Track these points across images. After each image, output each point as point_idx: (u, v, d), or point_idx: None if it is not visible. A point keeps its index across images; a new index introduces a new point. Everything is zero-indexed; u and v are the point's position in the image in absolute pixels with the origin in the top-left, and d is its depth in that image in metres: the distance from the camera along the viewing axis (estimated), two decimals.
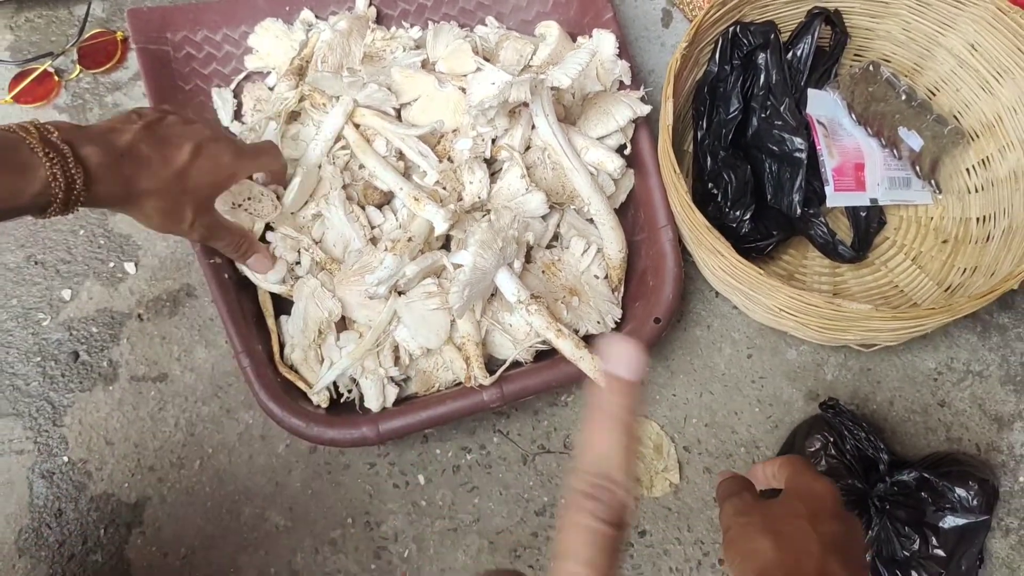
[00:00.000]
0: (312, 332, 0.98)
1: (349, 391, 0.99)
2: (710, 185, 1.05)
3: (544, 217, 1.03)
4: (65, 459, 1.04)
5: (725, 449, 1.05)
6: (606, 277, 1.04)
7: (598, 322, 0.99)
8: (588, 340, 0.96)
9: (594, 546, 0.43)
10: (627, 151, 1.04)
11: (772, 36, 1.05)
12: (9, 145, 0.69)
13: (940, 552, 0.92)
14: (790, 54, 1.08)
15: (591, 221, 1.04)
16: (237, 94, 1.14)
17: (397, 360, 0.98)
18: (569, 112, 1.05)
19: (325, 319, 0.97)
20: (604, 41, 1.07)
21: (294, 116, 1.08)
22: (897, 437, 1.05)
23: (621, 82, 1.07)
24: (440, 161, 1.02)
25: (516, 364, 0.98)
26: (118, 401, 1.06)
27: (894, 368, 1.08)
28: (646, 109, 1.02)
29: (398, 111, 1.06)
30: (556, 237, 1.06)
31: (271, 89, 1.13)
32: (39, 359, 1.08)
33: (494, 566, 1.01)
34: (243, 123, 1.12)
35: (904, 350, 1.08)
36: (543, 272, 1.01)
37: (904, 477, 0.93)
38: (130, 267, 1.11)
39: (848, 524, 0.61)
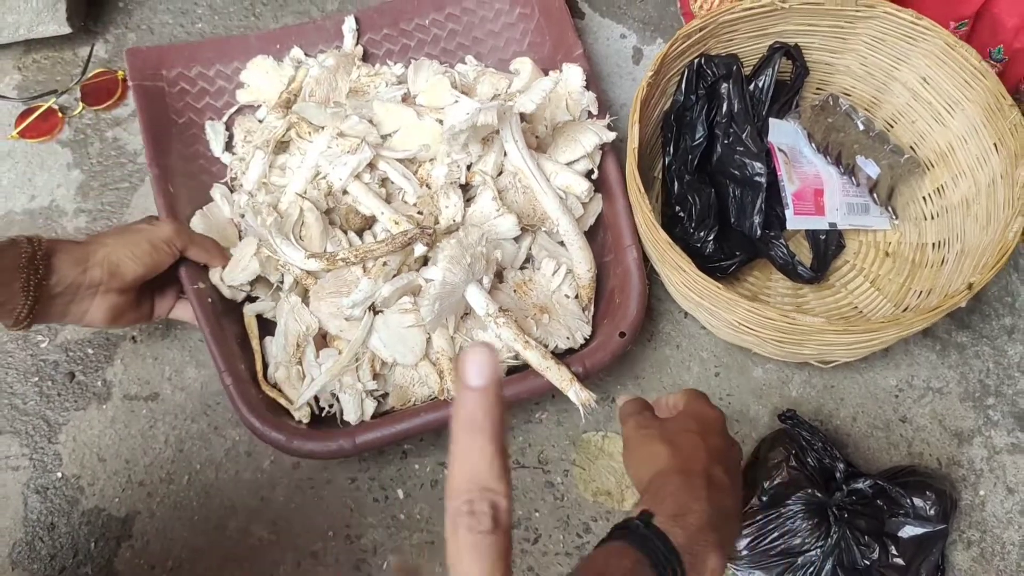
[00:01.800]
0: (291, 346, 0.99)
1: (330, 406, 1.00)
2: (677, 208, 1.07)
3: (516, 239, 1.05)
4: (59, 475, 1.05)
5: None
6: (576, 296, 1.05)
7: (567, 337, 1.01)
8: (559, 356, 0.98)
9: (485, 558, 0.42)
10: (594, 176, 1.07)
11: (735, 68, 1.07)
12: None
13: (899, 561, 0.92)
14: (752, 85, 1.10)
15: (562, 244, 1.06)
16: (228, 126, 1.17)
17: (376, 375, 0.99)
18: (542, 142, 1.08)
19: (303, 333, 0.99)
20: (572, 74, 1.10)
21: (283, 147, 1.11)
22: (860, 452, 1.05)
23: (589, 112, 1.10)
24: (420, 187, 1.05)
25: None
26: (111, 419, 1.07)
27: (856, 385, 1.08)
28: (611, 136, 1.05)
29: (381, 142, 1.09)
30: (529, 259, 1.08)
31: (261, 121, 1.16)
32: (36, 379, 1.09)
33: None
34: (234, 154, 1.15)
35: (866, 368, 1.09)
36: (515, 291, 1.03)
37: (860, 486, 0.93)
38: None
39: (731, 442, 0.74)
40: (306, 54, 1.19)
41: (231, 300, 1.05)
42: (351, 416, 0.98)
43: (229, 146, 1.16)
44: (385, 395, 1.02)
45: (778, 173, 1.08)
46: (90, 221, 1.17)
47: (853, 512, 0.93)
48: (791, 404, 1.06)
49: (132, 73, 1.12)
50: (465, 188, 1.05)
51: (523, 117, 1.01)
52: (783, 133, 1.12)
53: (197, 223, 1.06)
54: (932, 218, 1.11)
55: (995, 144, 1.00)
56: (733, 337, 1.02)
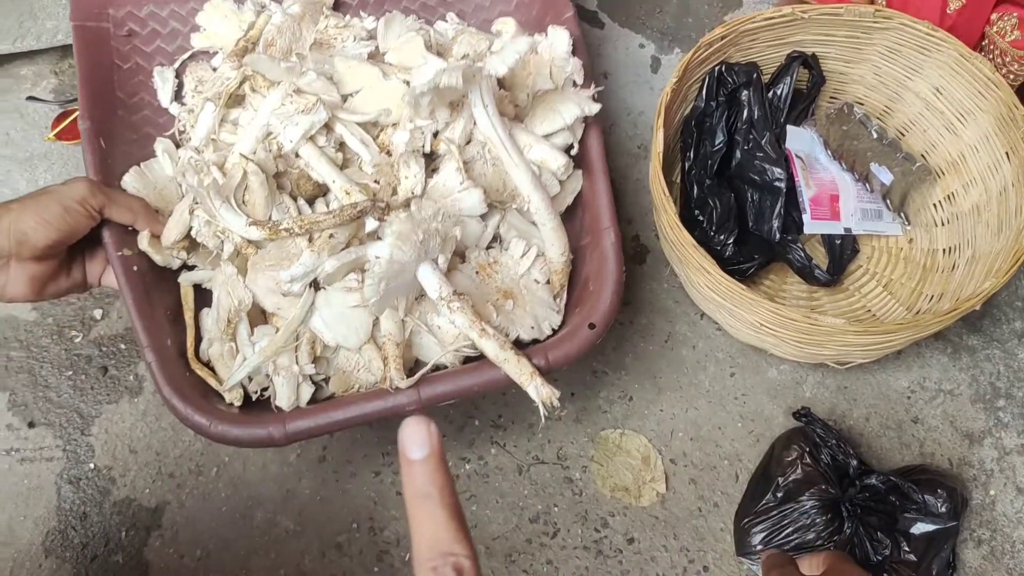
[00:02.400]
0: (223, 322, 0.90)
1: (265, 389, 0.91)
2: (696, 212, 1.08)
3: (483, 217, 0.95)
4: (91, 466, 1.06)
5: (709, 462, 1.06)
6: (547, 282, 0.95)
7: (532, 327, 0.90)
8: (520, 346, 0.87)
9: None
10: (574, 151, 0.96)
11: (755, 76, 1.08)
12: None
13: (911, 557, 0.93)
14: (771, 93, 1.11)
15: (534, 224, 0.95)
16: (179, 74, 1.06)
17: (317, 358, 0.90)
18: (520, 112, 0.97)
19: (235, 307, 0.89)
20: (558, 38, 1.00)
21: (238, 101, 0.99)
22: (873, 451, 1.06)
23: (575, 81, 1.00)
24: (380, 153, 0.95)
25: (442, 368, 0.88)
26: (142, 412, 1.09)
27: (869, 386, 1.09)
28: (595, 108, 0.95)
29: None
30: (496, 239, 0.98)
31: (215, 70, 1.04)
32: (71, 373, 1.10)
33: (489, 571, 1.02)
34: (183, 105, 1.05)
35: (879, 369, 1.10)
36: (476, 273, 0.93)
37: (873, 482, 0.94)
38: None
39: None
40: None
41: (165, 268, 0.94)
42: (283, 401, 0.88)
43: (179, 96, 1.05)
44: (327, 380, 0.92)
45: (795, 179, 1.09)
46: None
47: (866, 508, 0.94)
48: (805, 404, 1.07)
49: (74, 12, 1.02)
50: (430, 158, 0.95)
51: (501, 84, 0.93)
52: (800, 140, 1.13)
53: (130, 181, 0.94)
54: (943, 224, 1.12)
55: (1007, 153, 1.01)
56: (752, 338, 1.03)
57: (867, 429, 1.07)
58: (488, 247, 0.97)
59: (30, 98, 1.23)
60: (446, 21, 1.11)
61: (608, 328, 0.89)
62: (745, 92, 1.07)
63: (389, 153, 0.94)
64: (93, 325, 1.13)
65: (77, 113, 1.20)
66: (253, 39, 1.02)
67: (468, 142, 0.93)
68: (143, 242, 0.91)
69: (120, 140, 0.98)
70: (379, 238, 0.88)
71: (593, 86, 0.99)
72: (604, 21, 1.31)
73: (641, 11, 1.31)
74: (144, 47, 1.06)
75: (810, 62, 1.11)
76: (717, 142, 1.08)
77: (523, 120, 0.96)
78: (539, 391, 0.81)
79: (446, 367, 0.88)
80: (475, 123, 0.89)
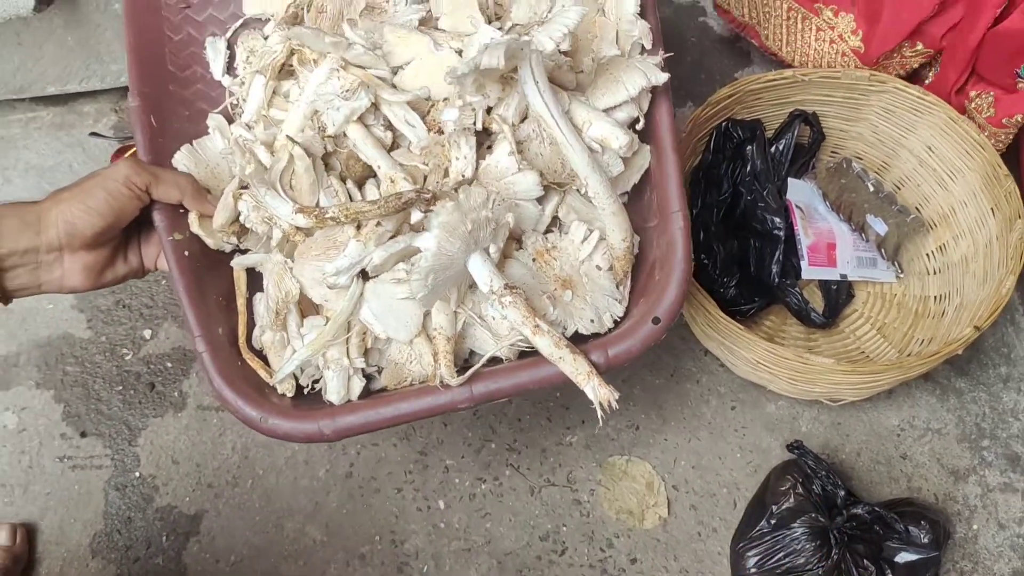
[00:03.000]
0: (272, 314, 0.84)
1: (316, 382, 0.84)
2: (702, 256, 1.15)
3: (540, 200, 0.85)
4: (137, 474, 1.14)
5: (709, 489, 1.12)
6: (610, 268, 0.85)
7: (592, 320, 0.82)
8: (579, 341, 0.80)
9: None
10: (640, 126, 0.84)
11: (758, 132, 1.16)
12: None
13: None
14: (773, 148, 1.19)
15: None
16: (231, 44, 0.96)
17: (368, 350, 0.84)
18: (584, 79, 0.85)
19: (282, 299, 0.84)
20: None
21: (290, 72, 0.91)
22: (863, 485, 1.12)
23: (643, 47, 0.86)
24: (429, 132, 0.85)
25: (496, 362, 0.81)
26: (185, 426, 1.16)
27: (861, 423, 1.15)
28: (663, 77, 0.83)
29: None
30: (556, 223, 0.88)
31: (266, 39, 0.95)
32: (120, 387, 1.19)
33: None
34: (235, 77, 0.95)
35: (870, 407, 1.16)
36: (533, 260, 0.85)
37: (859, 512, 1.00)
38: None
39: None
40: None
41: (216, 252, 0.87)
42: (334, 395, 0.83)
43: (231, 68, 0.95)
44: (379, 370, 0.86)
45: (795, 227, 1.16)
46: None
47: (853, 536, 1.00)
48: (801, 438, 1.13)
49: None
50: (484, 134, 0.85)
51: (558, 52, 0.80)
52: (800, 192, 1.20)
53: (181, 160, 0.86)
54: (934, 273, 1.19)
55: (992, 209, 1.08)
56: (750, 374, 1.10)
57: (858, 463, 1.13)
58: (547, 232, 0.87)
59: (92, 134, 1.33)
60: None
61: (673, 322, 0.80)
62: (749, 147, 1.14)
63: (440, 132, 0.85)
64: (143, 344, 1.21)
65: (134, 149, 1.30)
66: (304, 4, 0.93)
67: (523, 119, 0.84)
68: (194, 224, 0.84)
69: (172, 117, 0.90)
70: (426, 229, 0.78)
71: (661, 52, 0.86)
72: None
73: None
74: (196, 16, 0.96)
75: (811, 120, 1.19)
76: (723, 192, 1.15)
77: (586, 89, 0.85)
78: (596, 392, 0.75)
79: (501, 361, 0.82)
80: (527, 97, 0.79)
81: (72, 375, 1.19)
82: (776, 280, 1.12)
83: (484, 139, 0.85)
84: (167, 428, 1.16)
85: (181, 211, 0.83)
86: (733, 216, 1.16)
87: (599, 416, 0.74)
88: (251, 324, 0.87)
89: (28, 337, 1.21)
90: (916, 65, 1.19)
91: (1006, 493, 1.12)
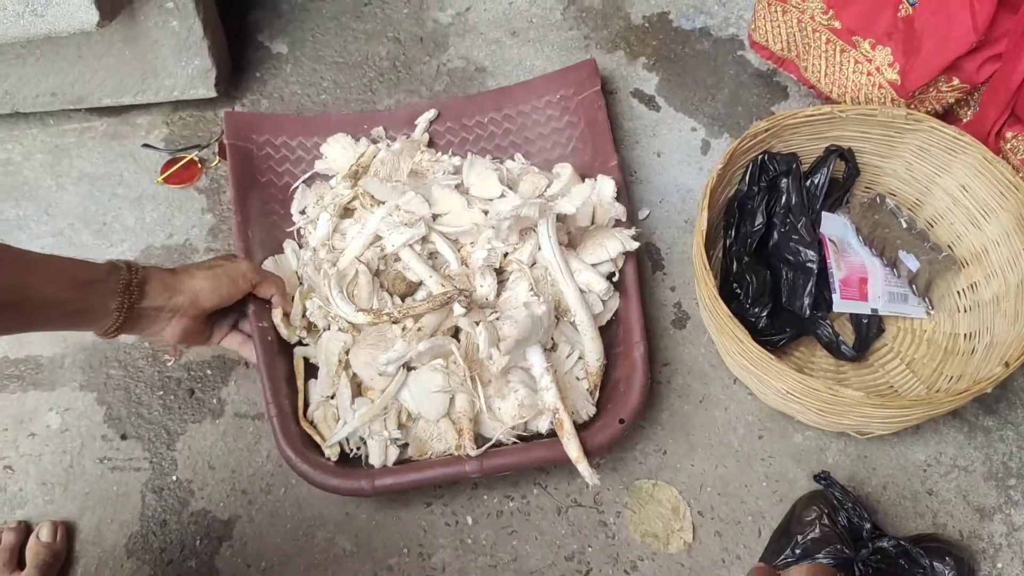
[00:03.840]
0: (332, 365, 1.09)
1: (358, 448, 1.09)
2: (735, 285, 1.15)
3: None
4: (174, 478, 1.15)
5: (734, 516, 1.12)
6: (585, 379, 1.12)
7: (571, 414, 1.06)
8: None
9: None
10: (615, 278, 1.15)
11: (794, 165, 1.16)
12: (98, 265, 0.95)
13: None
14: (808, 182, 1.19)
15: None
16: (304, 189, 1.29)
17: (400, 426, 1.08)
18: (573, 239, 1.15)
19: (340, 349, 1.09)
20: (605, 185, 1.19)
21: (346, 213, 1.22)
22: (888, 519, 1.11)
23: (619, 220, 1.18)
24: (460, 265, 1.14)
25: (498, 444, 1.06)
26: (222, 433, 1.18)
27: (888, 457, 1.15)
28: (634, 245, 1.13)
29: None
30: (550, 341, 1.14)
31: (332, 188, 1.26)
32: (161, 393, 1.20)
33: None
34: (304, 214, 1.25)
35: (898, 442, 1.15)
36: None
37: (885, 545, 0.99)
38: (244, 325, 1.24)
39: None
40: (387, 132, 1.33)
41: (285, 342, 1.14)
42: (376, 460, 1.07)
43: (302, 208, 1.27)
44: (405, 445, 1.09)
45: (827, 261, 1.16)
46: None
47: (877, 570, 0.99)
48: (827, 469, 1.12)
49: (228, 133, 1.26)
50: (498, 273, 1.14)
51: (559, 216, 1.10)
52: (834, 225, 1.21)
53: (269, 265, 1.17)
54: (965, 311, 1.18)
55: None
56: (779, 404, 1.10)
57: (884, 497, 1.13)
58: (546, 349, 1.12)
59: (145, 145, 1.36)
60: (514, 160, 1.29)
61: (635, 423, 1.08)
62: (785, 180, 1.15)
63: (467, 266, 1.14)
64: (184, 351, 1.23)
65: (184, 160, 1.33)
66: (363, 165, 1.26)
67: (532, 264, 1.12)
68: (276, 318, 1.12)
69: (257, 233, 1.21)
70: (457, 333, 1.10)
71: (634, 227, 1.16)
72: (660, 105, 1.40)
73: (695, 97, 1.40)
74: (277, 167, 1.30)
75: (846, 155, 1.19)
76: (757, 223, 1.16)
77: (575, 247, 1.15)
78: (587, 470, 1.03)
79: (503, 443, 1.06)
80: (540, 248, 1.10)
81: (115, 378, 1.21)
82: (808, 312, 1.12)
83: (499, 276, 1.14)
84: (205, 434, 1.18)
85: (267, 306, 1.12)
86: (766, 247, 1.17)
87: (589, 487, 1.04)
88: (305, 402, 1.12)
89: (75, 340, 1.23)
90: (952, 100, 1.19)
91: None
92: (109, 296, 0.93)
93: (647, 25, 1.46)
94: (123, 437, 1.18)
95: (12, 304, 0.84)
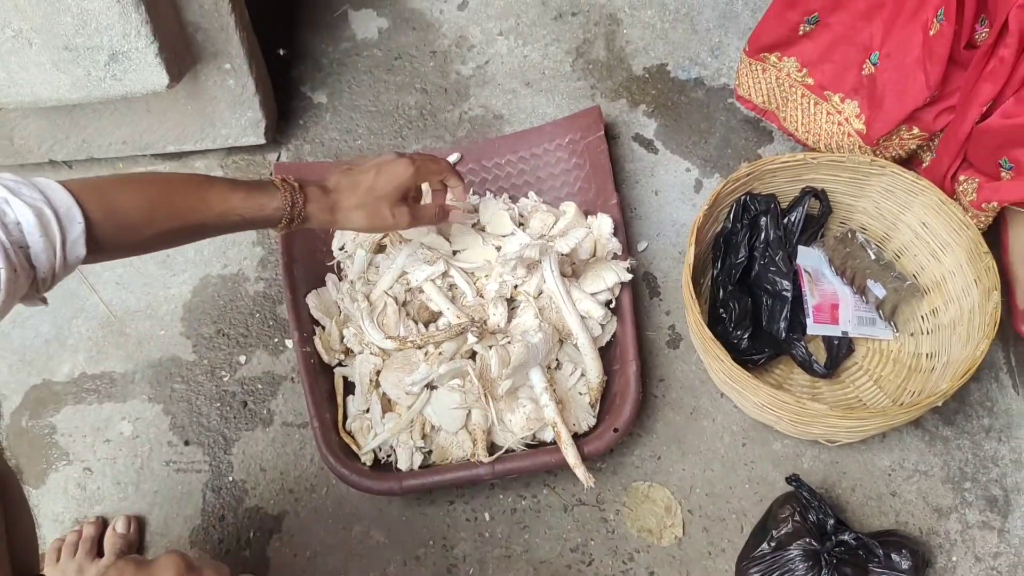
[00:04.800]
0: (365, 384, 1.24)
1: (388, 456, 1.24)
2: (720, 310, 1.29)
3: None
4: (230, 479, 1.30)
5: (720, 514, 1.25)
6: (587, 394, 1.25)
7: (574, 424, 1.21)
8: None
9: None
10: (612, 305, 1.28)
11: (772, 205, 1.30)
12: (264, 182, 1.03)
13: None
14: (786, 219, 1.32)
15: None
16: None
17: (424, 436, 1.22)
18: (576, 270, 1.30)
19: (372, 371, 1.24)
20: (604, 223, 1.33)
21: (381, 249, 1.34)
22: (856, 517, 1.24)
23: (616, 253, 1.32)
24: (475, 296, 1.28)
25: (510, 451, 1.20)
26: (272, 439, 1.33)
27: (856, 463, 1.27)
28: (629, 276, 1.26)
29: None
30: (555, 361, 1.27)
31: None
32: (219, 404, 1.35)
33: None
34: (343, 251, 1.37)
35: (866, 449, 1.28)
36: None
37: (846, 538, 1.12)
38: (289, 343, 1.39)
39: None
40: None
41: (327, 363, 1.29)
42: (403, 464, 1.21)
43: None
44: (429, 452, 1.23)
45: (803, 289, 1.29)
46: (266, 287, 1.44)
47: (841, 560, 1.12)
48: (802, 473, 1.24)
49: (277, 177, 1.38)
50: (509, 302, 1.27)
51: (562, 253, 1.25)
52: (810, 257, 1.34)
53: (312, 299, 1.31)
54: (927, 333, 1.31)
55: (975, 280, 1.20)
56: (759, 415, 1.23)
57: (853, 498, 1.25)
58: (548, 367, 1.26)
59: None
60: (527, 198, 1.43)
61: (629, 431, 1.23)
62: (764, 218, 1.28)
63: (482, 296, 1.28)
64: (238, 368, 1.38)
65: None
66: None
67: (538, 294, 1.27)
68: (318, 343, 1.28)
69: (302, 269, 1.34)
70: (474, 356, 1.23)
71: (629, 259, 1.30)
72: (658, 148, 1.54)
73: (689, 141, 1.54)
74: None
75: (820, 195, 1.32)
76: (740, 256, 1.29)
77: (578, 277, 1.29)
78: (585, 474, 1.16)
79: (513, 450, 1.20)
80: (544, 281, 1.24)
81: (179, 392, 1.36)
82: (784, 334, 1.25)
83: (510, 305, 1.27)
84: (256, 440, 1.33)
85: (306, 334, 1.28)
86: (749, 277, 1.30)
87: (585, 487, 1.16)
88: (344, 414, 1.27)
89: (144, 358, 1.39)
90: (914, 146, 1.32)
91: (984, 530, 1.23)
92: (276, 217, 1.01)
93: (647, 76, 1.60)
94: (186, 443, 1.33)
95: (182, 229, 0.95)
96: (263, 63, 1.46)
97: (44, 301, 0.83)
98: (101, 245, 0.86)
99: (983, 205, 1.20)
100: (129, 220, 0.89)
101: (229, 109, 1.43)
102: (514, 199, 1.43)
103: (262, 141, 1.49)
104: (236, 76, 1.39)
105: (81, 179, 0.86)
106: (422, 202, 1.21)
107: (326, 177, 1.09)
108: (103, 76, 1.25)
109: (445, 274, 1.28)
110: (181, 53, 1.31)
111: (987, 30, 1.16)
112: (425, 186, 1.20)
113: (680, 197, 1.50)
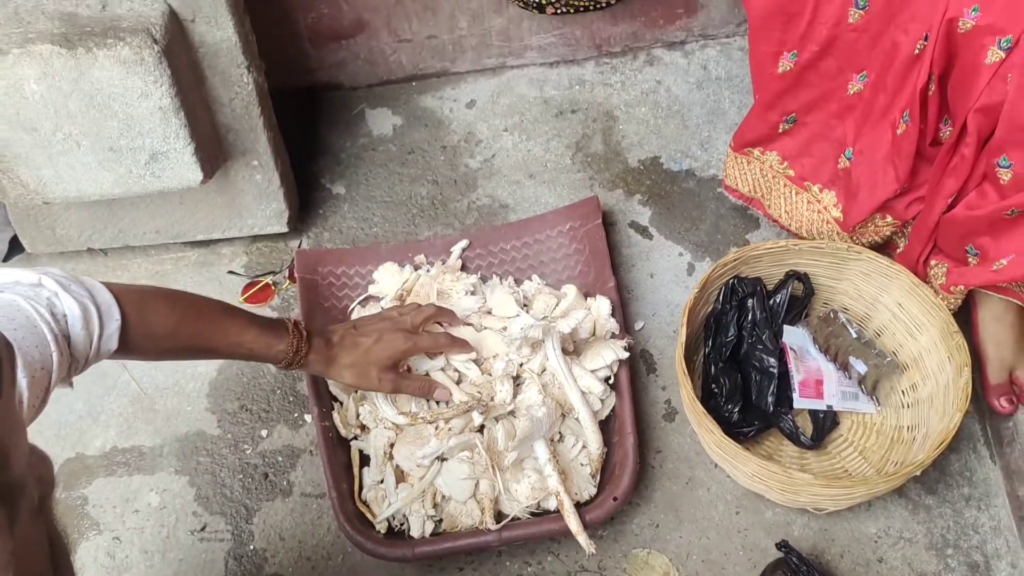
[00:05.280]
0: (379, 457, 1.30)
1: (402, 523, 1.29)
2: (713, 385, 1.36)
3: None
4: (251, 547, 1.36)
5: None
6: (588, 465, 1.31)
7: (576, 494, 1.27)
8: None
9: None
10: (611, 381, 1.35)
11: (759, 287, 1.39)
12: (277, 322, 1.13)
13: None
14: (772, 300, 1.41)
15: None
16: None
17: (435, 505, 1.28)
18: (577, 347, 1.37)
19: (386, 444, 1.30)
20: (602, 304, 1.41)
21: None
22: None
23: (614, 333, 1.39)
24: (483, 374, 1.35)
25: (515, 519, 1.25)
26: (291, 510, 1.39)
27: (844, 530, 1.33)
28: (626, 355, 1.34)
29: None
30: (558, 434, 1.33)
31: (382, 308, 1.44)
32: (241, 476, 1.42)
33: None
34: None
35: (852, 517, 1.34)
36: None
37: None
38: (308, 417, 1.47)
39: None
40: (427, 258, 1.56)
41: (344, 437, 1.36)
42: (416, 532, 1.26)
43: None
44: (440, 520, 1.28)
45: (789, 365, 1.37)
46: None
47: None
48: (793, 540, 1.30)
49: (298, 268, 1.51)
50: (515, 379, 1.33)
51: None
52: (794, 336, 1.42)
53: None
54: (907, 407, 1.38)
55: (948, 357, 1.28)
56: (750, 484, 1.30)
57: (842, 564, 1.31)
58: (551, 439, 1.33)
59: (229, 272, 1.61)
60: (531, 280, 1.52)
61: (628, 500, 1.29)
62: (751, 300, 1.37)
63: (490, 374, 1.35)
64: (260, 441, 1.45)
65: (261, 284, 1.58)
66: (408, 289, 1.48)
67: (542, 371, 1.33)
68: (336, 418, 1.35)
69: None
70: (482, 430, 1.29)
71: (627, 338, 1.37)
72: (653, 234, 1.64)
73: (682, 228, 1.64)
74: (337, 293, 1.53)
75: (803, 278, 1.42)
76: (730, 335, 1.38)
77: (579, 355, 1.36)
78: (587, 541, 1.22)
79: (520, 519, 1.25)
80: (547, 359, 1.31)
81: (204, 464, 1.44)
82: (772, 408, 1.33)
83: (515, 383, 1.33)
84: (276, 510, 1.39)
85: (325, 409, 1.35)
86: (739, 355, 1.38)
87: (587, 553, 1.22)
88: (360, 485, 1.33)
89: (171, 432, 1.47)
90: (888, 233, 1.41)
91: None
92: (279, 358, 1.13)
93: (642, 167, 1.71)
94: (210, 513, 1.39)
95: (198, 347, 1.07)
96: (287, 158, 1.57)
97: (71, 385, 0.92)
98: (127, 345, 0.96)
99: (952, 288, 1.29)
100: (157, 329, 1.01)
101: (255, 201, 1.54)
102: (519, 282, 1.52)
103: (285, 230, 1.60)
104: (263, 171, 1.50)
105: (122, 284, 0.98)
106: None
107: (334, 329, 1.22)
108: (143, 174, 1.36)
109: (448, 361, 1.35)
110: (214, 152, 1.42)
111: (950, 129, 1.26)
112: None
113: (674, 279, 1.59)
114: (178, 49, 1.30)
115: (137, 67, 1.25)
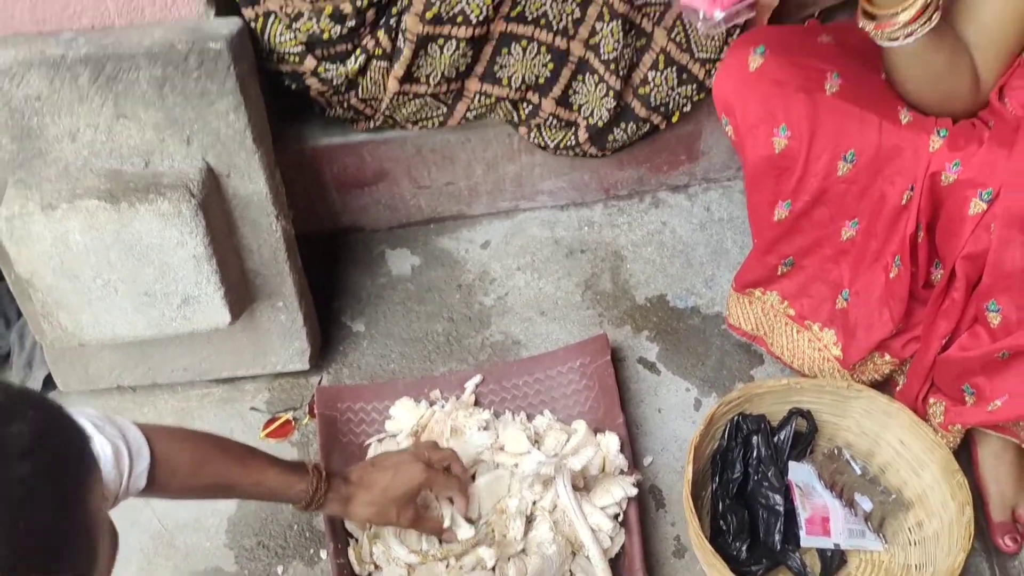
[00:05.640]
0: None
1: None
2: (720, 522, 1.38)
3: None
4: None
5: None
6: None
7: None
8: None
9: None
10: (620, 518, 1.37)
11: (763, 425, 1.42)
12: (297, 464, 1.18)
13: None
14: (776, 437, 1.44)
15: None
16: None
17: None
18: (587, 484, 1.39)
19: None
20: (612, 441, 1.43)
21: None
22: None
23: (623, 469, 1.41)
24: (496, 512, 1.38)
25: None
26: None
27: None
28: (635, 491, 1.36)
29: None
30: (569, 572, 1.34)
31: (399, 444, 1.50)
32: None
33: None
34: None
35: None
36: None
37: None
38: (324, 554, 1.48)
39: None
40: (442, 393, 1.59)
41: (358, 574, 1.36)
42: None
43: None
44: None
45: (794, 503, 1.39)
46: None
47: None
48: None
49: (318, 404, 1.55)
50: (528, 518, 1.36)
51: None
52: (800, 473, 1.44)
53: None
54: (915, 544, 1.39)
55: (951, 495, 1.30)
56: None
57: None
58: None
59: (251, 408, 1.66)
60: (542, 415, 1.55)
61: None
62: (756, 436, 1.40)
63: (503, 512, 1.37)
64: None
65: (282, 420, 1.63)
66: (423, 425, 1.52)
67: (553, 508, 1.36)
68: (351, 555, 1.36)
69: (338, 461, 1.45)
70: (494, 569, 1.30)
71: (635, 474, 1.40)
72: (660, 370, 1.68)
73: (688, 363, 1.69)
74: (355, 429, 1.57)
75: (806, 415, 1.45)
76: (736, 472, 1.40)
77: (588, 491, 1.38)
78: None
79: None
80: (558, 496, 1.34)
81: None
82: (779, 547, 1.34)
83: (527, 520, 1.36)
84: None
85: (340, 545, 1.36)
86: (745, 492, 1.40)
87: None
88: None
89: (189, 568, 1.48)
90: (888, 371, 1.46)
91: None
92: (299, 498, 1.17)
93: (649, 305, 1.77)
94: None
95: (220, 486, 1.11)
96: (311, 299, 1.65)
97: None
98: (154, 483, 1.01)
99: (949, 427, 1.32)
100: (182, 468, 1.05)
101: (279, 340, 1.61)
102: (530, 416, 1.55)
103: (307, 367, 1.65)
104: (287, 312, 1.57)
105: (152, 424, 1.03)
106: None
107: (351, 470, 1.26)
108: (175, 316, 1.44)
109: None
110: (242, 294, 1.50)
111: (941, 272, 1.32)
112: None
113: (681, 415, 1.62)
114: (213, 201, 1.40)
115: (175, 219, 1.34)
